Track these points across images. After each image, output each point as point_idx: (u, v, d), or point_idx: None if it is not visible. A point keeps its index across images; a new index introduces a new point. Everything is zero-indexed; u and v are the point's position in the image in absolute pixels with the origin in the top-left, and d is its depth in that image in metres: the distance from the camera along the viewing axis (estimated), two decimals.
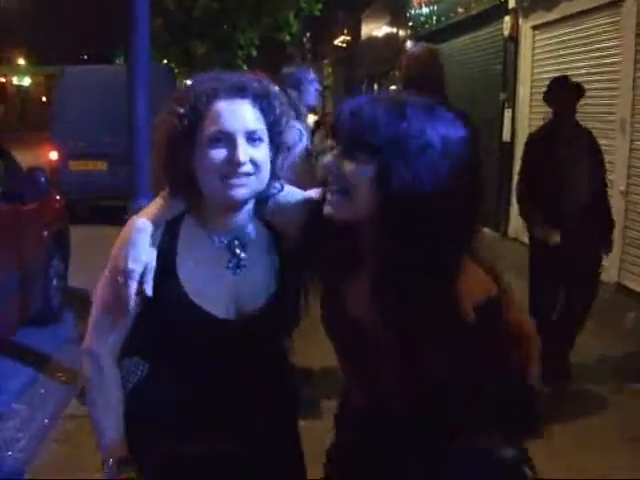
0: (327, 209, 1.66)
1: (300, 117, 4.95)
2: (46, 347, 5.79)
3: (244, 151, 1.67)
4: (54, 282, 6.42)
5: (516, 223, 10.48)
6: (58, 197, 7.09)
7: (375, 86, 22.21)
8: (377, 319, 1.67)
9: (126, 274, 1.70)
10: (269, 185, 1.79)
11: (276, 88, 1.81)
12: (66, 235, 6.93)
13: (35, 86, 57.99)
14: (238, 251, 1.79)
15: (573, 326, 5.11)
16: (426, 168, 1.54)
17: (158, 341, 1.80)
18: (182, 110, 1.70)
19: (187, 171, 1.72)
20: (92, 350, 1.82)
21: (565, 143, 4.93)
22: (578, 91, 5.06)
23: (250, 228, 1.82)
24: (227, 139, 1.68)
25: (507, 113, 10.76)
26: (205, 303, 1.75)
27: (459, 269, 1.62)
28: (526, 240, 9.65)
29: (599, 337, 5.32)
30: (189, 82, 1.79)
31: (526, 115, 10.33)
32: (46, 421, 4.55)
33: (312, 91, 4.98)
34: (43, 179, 6.08)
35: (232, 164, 1.67)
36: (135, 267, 1.70)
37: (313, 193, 1.85)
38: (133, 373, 1.84)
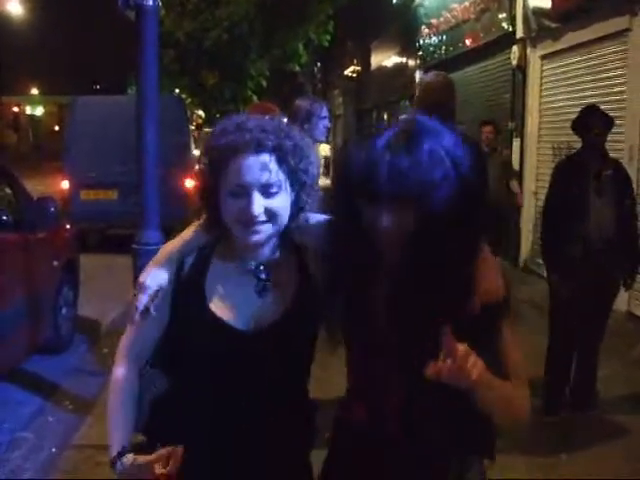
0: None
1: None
2: (55, 375, 5.82)
3: (258, 203, 1.84)
4: (63, 311, 6.45)
5: (526, 252, 10.47)
6: (68, 226, 7.14)
7: (385, 115, 22.27)
8: (391, 326, 1.78)
9: (141, 287, 1.91)
10: (293, 219, 1.95)
11: (294, 133, 1.94)
12: (76, 264, 6.96)
13: (48, 115, 58.47)
14: (263, 276, 1.96)
15: (593, 356, 5.12)
16: (438, 197, 1.65)
17: (179, 357, 1.95)
18: (207, 164, 1.90)
19: (217, 212, 1.91)
20: (119, 351, 2.00)
21: (594, 174, 4.89)
22: (608, 121, 5.01)
23: (276, 255, 2.00)
24: (244, 192, 1.84)
25: (515, 142, 10.80)
26: (226, 316, 1.91)
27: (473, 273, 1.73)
28: (535, 269, 9.74)
29: (606, 367, 5.29)
30: (216, 129, 1.94)
31: (534, 144, 10.36)
32: (53, 450, 4.55)
33: (321, 127, 5.06)
34: (53, 208, 6.11)
35: (247, 215, 1.84)
36: (150, 284, 1.91)
37: None
38: (151, 384, 1.98)
